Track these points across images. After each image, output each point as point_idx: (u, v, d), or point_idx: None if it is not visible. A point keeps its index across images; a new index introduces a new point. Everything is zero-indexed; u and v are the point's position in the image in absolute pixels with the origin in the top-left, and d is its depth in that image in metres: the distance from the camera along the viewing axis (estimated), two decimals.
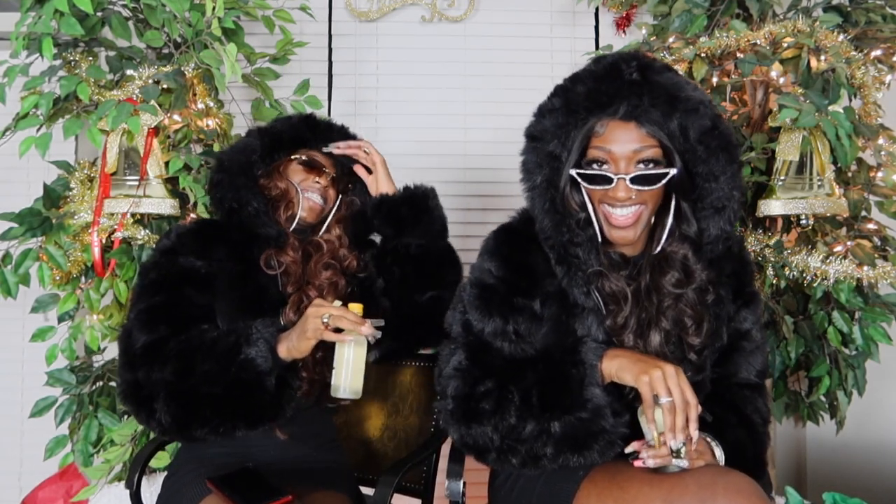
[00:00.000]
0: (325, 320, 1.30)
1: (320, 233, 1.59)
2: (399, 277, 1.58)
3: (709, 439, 1.25)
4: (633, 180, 1.19)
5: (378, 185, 1.64)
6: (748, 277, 1.37)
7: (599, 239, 1.25)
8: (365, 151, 1.65)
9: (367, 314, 1.35)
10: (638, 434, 1.20)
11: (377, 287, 1.59)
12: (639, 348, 1.26)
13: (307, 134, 1.63)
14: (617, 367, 1.18)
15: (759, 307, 1.39)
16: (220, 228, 1.53)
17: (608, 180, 1.19)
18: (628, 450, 1.19)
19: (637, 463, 1.17)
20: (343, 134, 1.69)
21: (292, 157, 1.59)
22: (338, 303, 1.35)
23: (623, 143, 1.19)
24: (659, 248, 1.25)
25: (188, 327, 1.40)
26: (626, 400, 1.25)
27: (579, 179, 1.22)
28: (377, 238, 1.67)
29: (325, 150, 1.63)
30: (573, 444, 1.18)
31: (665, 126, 1.19)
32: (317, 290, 1.52)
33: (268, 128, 1.64)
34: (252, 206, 1.49)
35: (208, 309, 1.44)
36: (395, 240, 1.60)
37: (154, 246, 1.55)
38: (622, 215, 1.21)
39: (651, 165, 1.20)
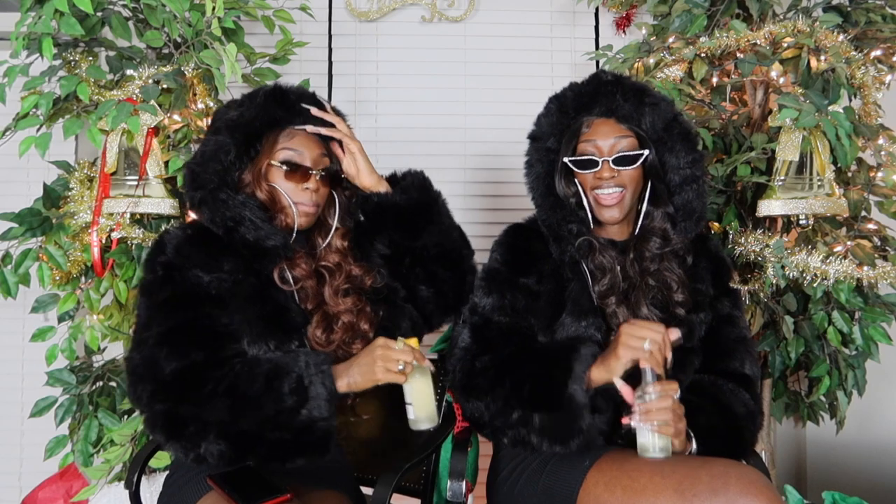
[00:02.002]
0: (401, 368, 1.29)
1: (322, 245, 1.49)
2: (425, 275, 1.54)
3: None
4: (615, 161, 1.43)
5: (360, 178, 1.51)
6: (726, 271, 1.55)
7: (590, 220, 1.46)
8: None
9: (395, 325, 1.45)
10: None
11: (399, 296, 1.53)
12: (623, 318, 1.40)
13: (279, 113, 1.44)
14: (604, 368, 1.31)
15: (740, 302, 1.57)
16: (220, 237, 1.39)
17: (595, 164, 1.44)
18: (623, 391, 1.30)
19: (624, 420, 1.28)
20: (316, 102, 1.50)
21: (272, 162, 1.42)
22: (400, 342, 1.32)
23: (605, 136, 1.45)
24: (639, 227, 1.47)
25: (220, 349, 1.32)
26: (614, 401, 1.32)
27: (572, 166, 1.46)
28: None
29: (298, 127, 1.46)
30: (552, 437, 1.31)
31: (636, 119, 1.45)
32: (350, 315, 1.45)
33: (235, 120, 1.42)
34: (248, 220, 1.36)
35: (233, 326, 1.34)
36: (410, 243, 1.54)
37: (146, 256, 1.40)
38: (608, 194, 1.44)
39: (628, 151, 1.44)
